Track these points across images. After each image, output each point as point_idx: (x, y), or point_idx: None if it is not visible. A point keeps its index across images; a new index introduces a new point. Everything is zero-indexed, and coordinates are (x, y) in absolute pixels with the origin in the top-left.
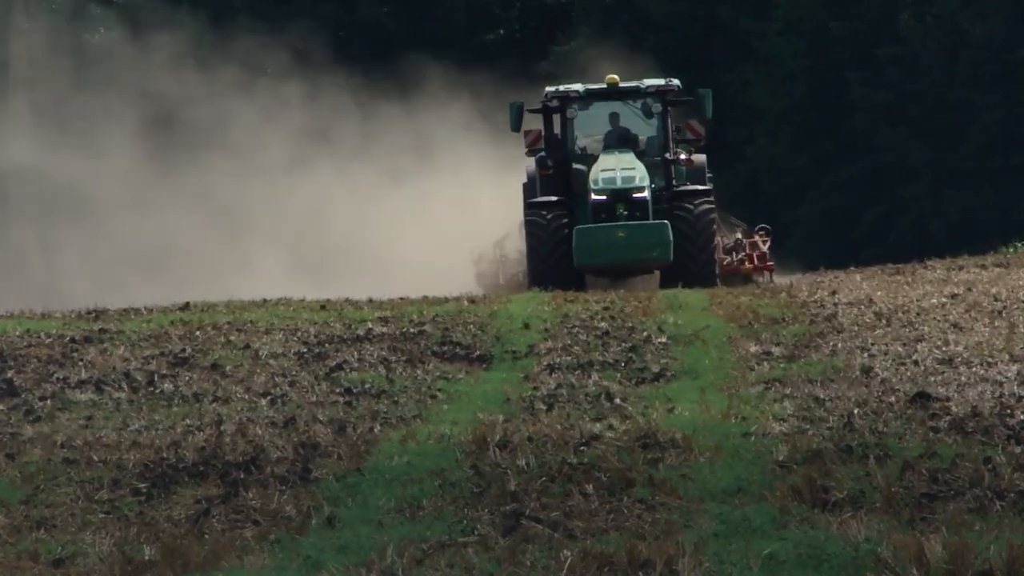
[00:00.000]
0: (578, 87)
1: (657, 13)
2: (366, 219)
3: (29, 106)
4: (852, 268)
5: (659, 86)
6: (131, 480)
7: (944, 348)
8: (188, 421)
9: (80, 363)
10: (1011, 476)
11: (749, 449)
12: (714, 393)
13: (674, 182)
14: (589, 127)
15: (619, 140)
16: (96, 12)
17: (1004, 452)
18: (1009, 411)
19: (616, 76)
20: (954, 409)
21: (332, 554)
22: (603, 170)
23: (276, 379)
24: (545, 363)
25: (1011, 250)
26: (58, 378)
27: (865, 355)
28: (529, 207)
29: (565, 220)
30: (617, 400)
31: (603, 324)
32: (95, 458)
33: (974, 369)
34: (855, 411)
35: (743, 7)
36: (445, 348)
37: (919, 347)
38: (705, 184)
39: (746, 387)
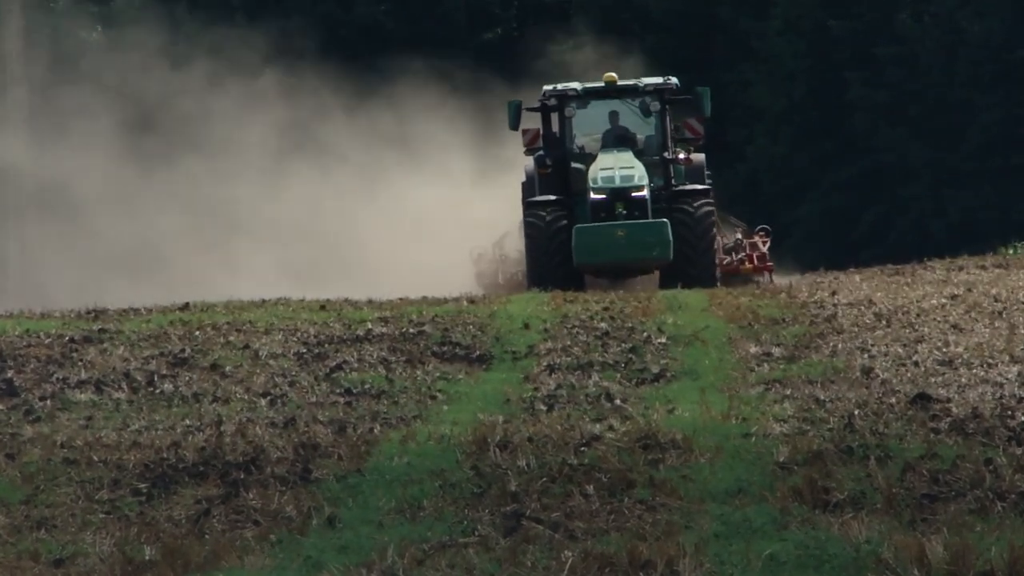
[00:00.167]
0: (576, 86)
1: (656, 12)
2: (356, 220)
3: (16, 104)
4: (852, 269)
5: (657, 84)
6: (131, 480)
7: (944, 349)
8: (188, 421)
9: (80, 363)
10: (1012, 477)
11: (750, 450)
12: (714, 394)
13: (673, 181)
14: (587, 126)
15: (618, 139)
16: (93, 10)
17: (1005, 453)
18: (1010, 412)
19: (614, 74)
20: (955, 410)
21: (333, 554)
22: (602, 169)
23: (276, 379)
24: (545, 363)
25: (1011, 250)
26: (58, 378)
27: (865, 356)
28: (528, 206)
29: (564, 219)
30: (617, 401)
31: (603, 324)
32: (95, 458)
33: (974, 370)
34: (855, 412)
35: (743, 7)
36: (445, 348)
37: (919, 348)
38: (704, 183)
39: (746, 388)
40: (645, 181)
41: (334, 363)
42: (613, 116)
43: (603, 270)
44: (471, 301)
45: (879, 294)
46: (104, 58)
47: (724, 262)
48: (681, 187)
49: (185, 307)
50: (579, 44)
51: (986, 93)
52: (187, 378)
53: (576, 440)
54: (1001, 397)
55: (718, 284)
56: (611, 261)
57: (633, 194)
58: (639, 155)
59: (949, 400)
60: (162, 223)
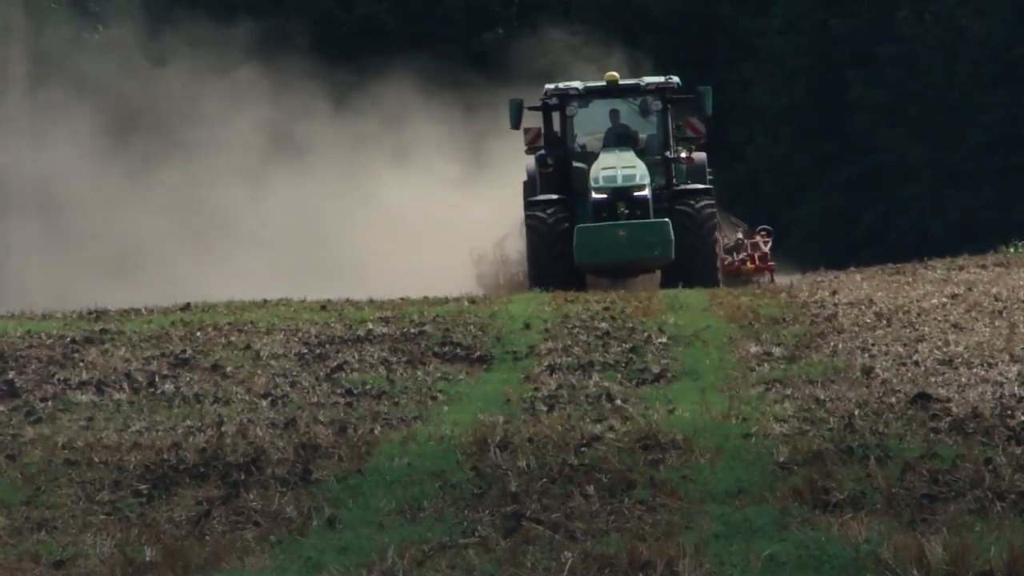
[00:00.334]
0: (578, 85)
1: (656, 11)
2: (349, 221)
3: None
4: (852, 268)
5: (659, 83)
6: (132, 481)
7: (945, 349)
8: (189, 422)
9: (81, 364)
10: (1012, 477)
11: (750, 450)
12: (715, 394)
13: (674, 180)
14: (589, 125)
15: (619, 138)
16: (94, 10)
17: (1005, 453)
18: (1010, 412)
19: (616, 74)
20: (955, 410)
21: (333, 555)
22: (603, 168)
23: (277, 380)
24: (546, 364)
25: (1011, 250)
26: (59, 379)
27: (866, 356)
28: (529, 206)
29: (565, 218)
30: (618, 401)
31: (604, 324)
32: (96, 459)
33: (975, 370)
34: (856, 412)
35: (743, 6)
36: (446, 349)
37: (920, 347)
38: (705, 183)
39: (747, 388)
40: (647, 180)
41: (335, 363)
42: (614, 115)
43: (605, 270)
44: (472, 301)
45: (879, 294)
46: (101, 57)
47: (725, 262)
48: (683, 186)
49: (186, 307)
50: (580, 43)
51: (986, 93)
52: (188, 379)
53: (576, 440)
54: (1001, 397)
55: (720, 284)
56: (613, 261)
57: (635, 193)
58: (641, 154)
59: (949, 400)
60: (153, 224)
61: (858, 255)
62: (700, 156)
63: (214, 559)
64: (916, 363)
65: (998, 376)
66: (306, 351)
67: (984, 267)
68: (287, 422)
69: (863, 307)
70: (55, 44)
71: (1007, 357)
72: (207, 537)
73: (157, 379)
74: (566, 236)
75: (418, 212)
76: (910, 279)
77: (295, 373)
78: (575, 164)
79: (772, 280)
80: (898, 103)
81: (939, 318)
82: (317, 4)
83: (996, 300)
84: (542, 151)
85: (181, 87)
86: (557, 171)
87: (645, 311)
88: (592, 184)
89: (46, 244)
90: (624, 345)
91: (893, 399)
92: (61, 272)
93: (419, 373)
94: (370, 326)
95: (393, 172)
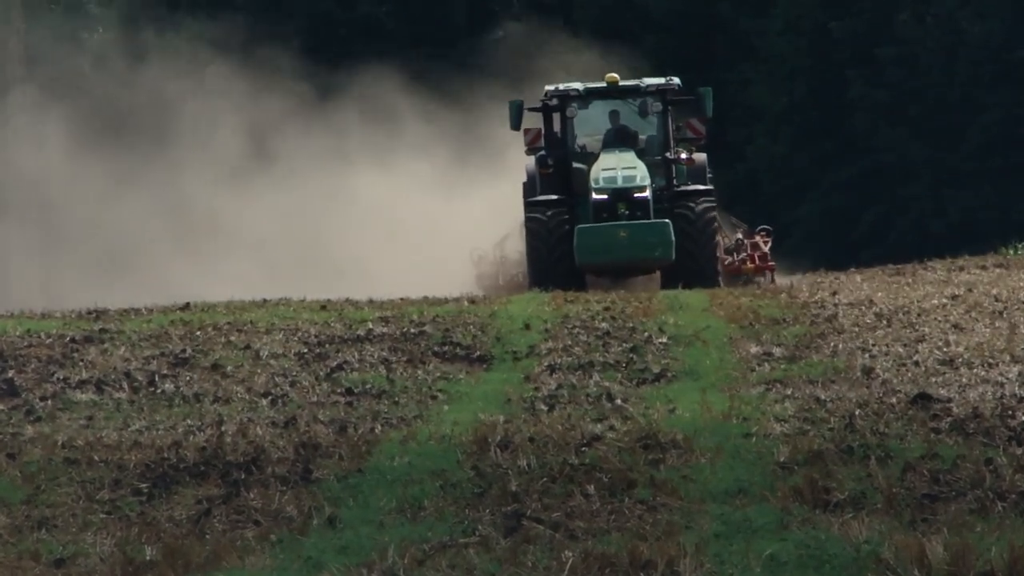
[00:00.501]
0: (578, 86)
1: (656, 11)
2: (343, 221)
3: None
4: (852, 269)
5: (659, 85)
6: (132, 480)
7: (945, 349)
8: (189, 421)
9: (81, 363)
10: (1012, 477)
11: (750, 450)
12: (715, 394)
13: (675, 181)
14: (589, 126)
15: (619, 139)
16: (94, 11)
17: (1005, 453)
18: (1010, 412)
19: (616, 75)
20: (955, 410)
21: (333, 554)
22: (604, 169)
23: (277, 379)
24: (546, 364)
25: (1011, 250)
26: (59, 378)
27: (866, 356)
28: (529, 206)
29: (566, 219)
30: (618, 401)
31: (604, 324)
32: (96, 458)
33: (975, 370)
34: (856, 412)
35: (743, 6)
36: (446, 348)
37: (920, 348)
38: (706, 183)
39: (747, 388)
40: (647, 181)
41: (335, 363)
42: (614, 116)
43: (605, 270)
44: (472, 301)
45: (880, 294)
46: (99, 58)
47: (726, 262)
48: (683, 187)
49: (186, 307)
50: (580, 44)
51: (986, 93)
52: (188, 378)
53: (577, 440)
54: (1002, 397)
55: (720, 284)
56: (613, 261)
57: (635, 194)
58: (641, 155)
59: (950, 400)
60: (143, 225)
61: (858, 255)
62: (700, 157)
63: (214, 558)
64: (916, 363)
65: (998, 376)
66: (306, 351)
67: (984, 268)
68: (287, 421)
69: (863, 307)
70: (50, 45)
71: (1007, 357)
72: (207, 536)
73: (157, 378)
74: (566, 237)
75: (416, 213)
76: (910, 280)
77: (295, 373)
78: (575, 165)
79: (772, 280)
80: (898, 103)
81: (939, 318)
82: (317, 4)
83: (996, 301)
84: (542, 152)
85: (177, 88)
86: (557, 172)
87: (645, 311)
88: (592, 185)
89: (34, 245)
90: (624, 345)
91: (893, 399)
92: (48, 273)
93: (419, 373)
94: (370, 326)
95: (392, 172)
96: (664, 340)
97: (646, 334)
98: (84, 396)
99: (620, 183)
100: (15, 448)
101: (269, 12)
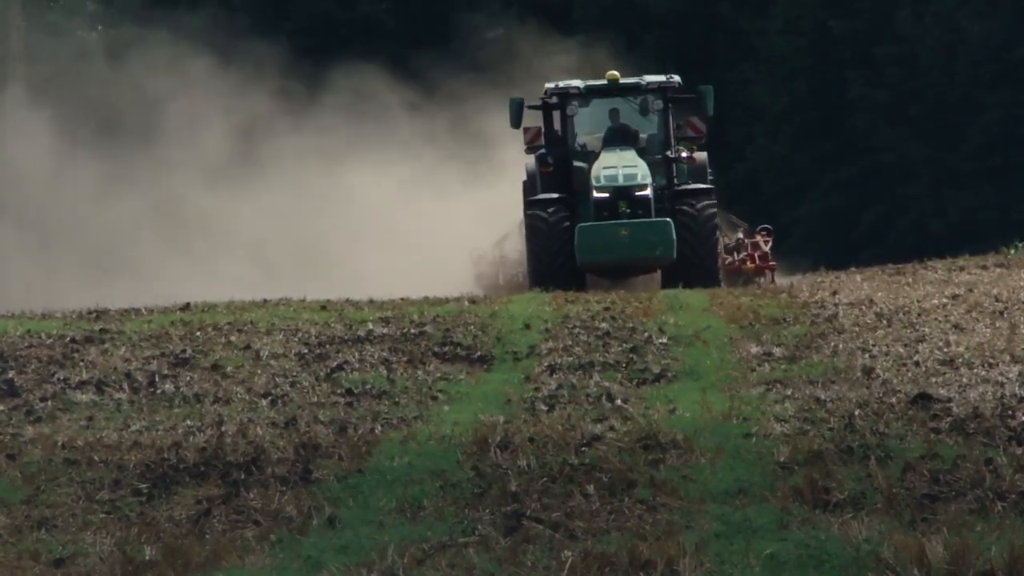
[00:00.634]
0: (578, 84)
1: (656, 10)
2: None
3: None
4: (852, 269)
5: (660, 83)
6: (132, 480)
7: (945, 349)
8: (189, 422)
9: (81, 364)
10: (1012, 477)
11: (750, 450)
12: (715, 394)
13: (675, 180)
14: (589, 124)
15: (620, 137)
16: (92, 10)
17: (1005, 453)
18: (1010, 412)
19: (616, 73)
20: (955, 410)
21: (333, 554)
22: (605, 168)
23: (277, 380)
24: (546, 364)
25: (1012, 250)
26: (59, 378)
27: (866, 356)
28: (529, 205)
29: (566, 218)
30: (618, 401)
31: (604, 325)
32: (96, 458)
33: (975, 370)
34: (856, 412)
35: (743, 6)
36: (446, 349)
37: (920, 348)
38: (706, 183)
39: (747, 388)
40: (648, 180)
41: (335, 363)
42: (615, 114)
43: (606, 269)
44: (472, 301)
45: (880, 294)
46: (95, 57)
47: (726, 262)
48: (684, 186)
49: (186, 307)
50: (580, 42)
51: (986, 93)
52: (188, 378)
53: (577, 440)
54: (1002, 397)
55: (721, 283)
56: (614, 260)
57: (636, 193)
58: (641, 154)
59: (950, 400)
60: (133, 226)
61: (858, 255)
62: (701, 156)
63: (214, 558)
64: (916, 363)
65: (999, 376)
66: (306, 351)
67: (984, 268)
68: (287, 422)
69: (863, 307)
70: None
71: (1008, 358)
72: (207, 536)
73: (157, 379)
74: (567, 235)
75: (414, 212)
76: (910, 280)
77: (295, 373)
78: (575, 163)
79: (773, 280)
80: (898, 103)
81: (939, 319)
82: (317, 4)
83: (997, 301)
84: (542, 150)
85: (176, 88)
86: (557, 170)
87: (645, 311)
88: (593, 183)
89: (33, 245)
90: (624, 345)
91: (893, 399)
92: (47, 273)
93: (419, 373)
94: (370, 326)
95: (390, 172)
96: (664, 340)
97: (646, 334)
98: (84, 396)
99: (621, 181)
100: (15, 448)
101: (269, 12)
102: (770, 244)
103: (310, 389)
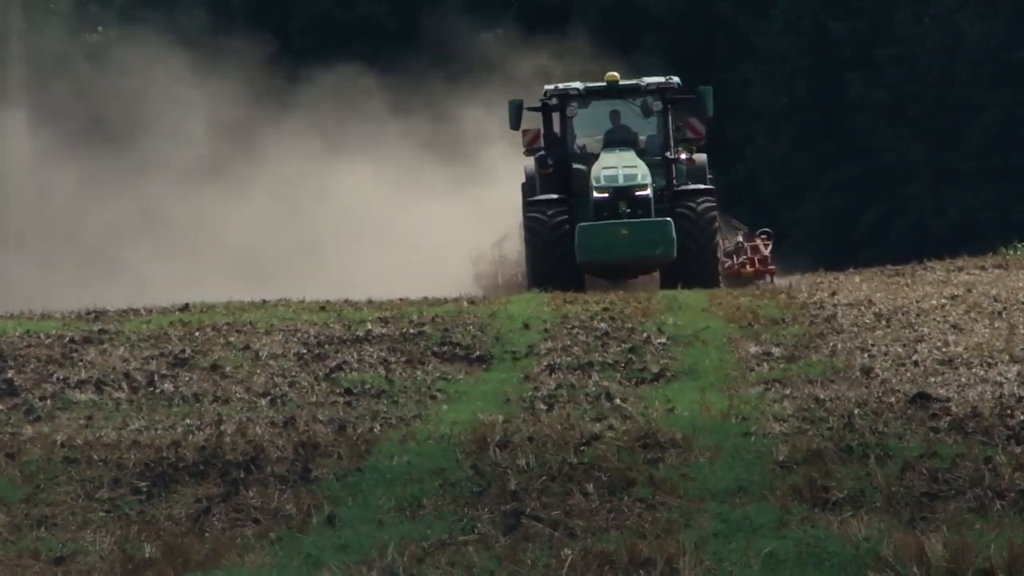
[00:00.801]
0: (578, 85)
1: (656, 11)
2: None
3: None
4: (852, 269)
5: (659, 84)
6: (131, 479)
7: (944, 349)
8: (188, 421)
9: (80, 363)
10: (1011, 476)
11: (749, 449)
12: (714, 393)
13: (675, 181)
14: (589, 125)
15: (620, 139)
16: (95, 11)
17: (1004, 452)
18: (1009, 411)
19: (616, 74)
20: (954, 409)
21: (332, 553)
22: (605, 168)
23: (276, 379)
24: (545, 363)
25: (1011, 251)
26: (58, 378)
27: (865, 356)
28: (529, 205)
29: (566, 218)
30: (617, 400)
31: (603, 325)
32: (95, 457)
33: (974, 370)
34: (855, 411)
35: (743, 6)
36: (445, 348)
37: (919, 348)
38: (706, 183)
39: (746, 387)
40: (648, 180)
41: (334, 363)
42: (614, 116)
43: (606, 269)
44: (471, 301)
45: (879, 294)
46: (107, 60)
47: (726, 265)
48: (683, 187)
49: (185, 308)
50: (580, 44)
51: (986, 93)
52: (187, 378)
53: (576, 439)
54: (1000, 396)
55: (720, 285)
56: (615, 259)
57: (636, 193)
58: (641, 155)
59: (949, 399)
60: (127, 228)
61: (858, 255)
62: (700, 157)
63: (214, 556)
64: (915, 363)
65: (997, 376)
66: (305, 351)
67: (983, 268)
68: (286, 421)
69: (862, 308)
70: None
71: (1006, 357)
72: (207, 534)
73: (156, 378)
74: (566, 236)
75: (413, 212)
76: (909, 280)
77: (294, 373)
78: (575, 165)
79: (772, 282)
80: (898, 103)
81: (938, 319)
82: (318, 4)
83: (995, 301)
84: (541, 152)
85: (174, 87)
86: (557, 172)
87: (644, 311)
88: (593, 183)
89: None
90: (623, 345)
91: (893, 399)
92: (46, 273)
93: (418, 373)
94: (369, 326)
95: (388, 171)
96: (663, 340)
97: (645, 334)
98: (83, 396)
99: (621, 181)
100: (15, 448)
101: (269, 12)
102: (770, 247)
103: (309, 389)
